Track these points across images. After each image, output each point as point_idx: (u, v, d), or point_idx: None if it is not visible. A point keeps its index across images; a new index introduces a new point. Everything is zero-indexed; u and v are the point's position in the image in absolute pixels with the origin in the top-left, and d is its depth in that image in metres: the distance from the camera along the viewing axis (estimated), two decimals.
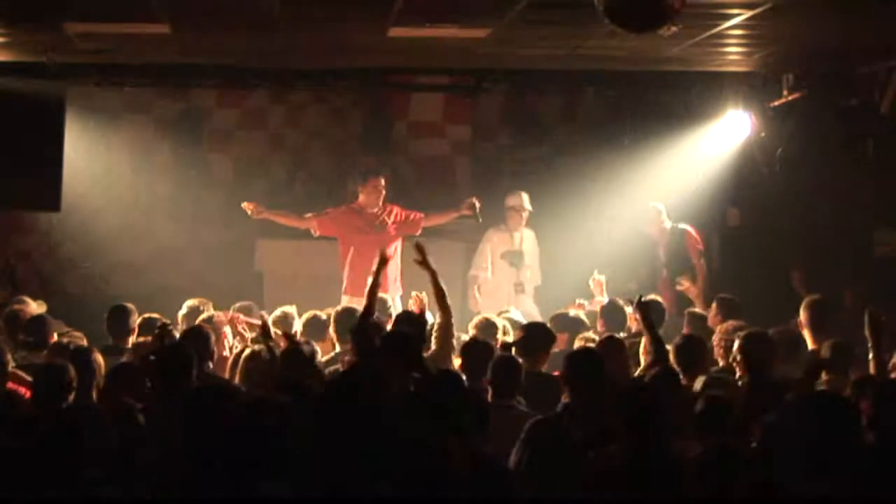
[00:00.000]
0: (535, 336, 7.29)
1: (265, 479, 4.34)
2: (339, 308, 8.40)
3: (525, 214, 10.91)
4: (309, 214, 10.42)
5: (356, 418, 5.40)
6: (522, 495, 5.35)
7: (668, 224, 10.85)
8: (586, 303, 9.28)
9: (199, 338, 7.08)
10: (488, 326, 7.96)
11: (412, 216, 10.48)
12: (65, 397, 5.96)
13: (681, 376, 6.64)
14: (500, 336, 7.81)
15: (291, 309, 8.60)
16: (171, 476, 4.78)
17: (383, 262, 7.99)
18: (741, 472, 4.62)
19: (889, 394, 5.30)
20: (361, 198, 10.46)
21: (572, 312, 8.81)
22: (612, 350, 7.03)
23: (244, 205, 10.24)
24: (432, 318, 7.82)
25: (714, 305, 8.74)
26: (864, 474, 4.49)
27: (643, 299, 7.42)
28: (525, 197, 10.95)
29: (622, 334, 8.17)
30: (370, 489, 4.50)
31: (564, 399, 6.15)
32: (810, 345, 7.56)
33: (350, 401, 5.52)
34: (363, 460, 4.90)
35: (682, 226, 10.90)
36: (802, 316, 7.76)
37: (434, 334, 7.45)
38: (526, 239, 11.03)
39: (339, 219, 10.41)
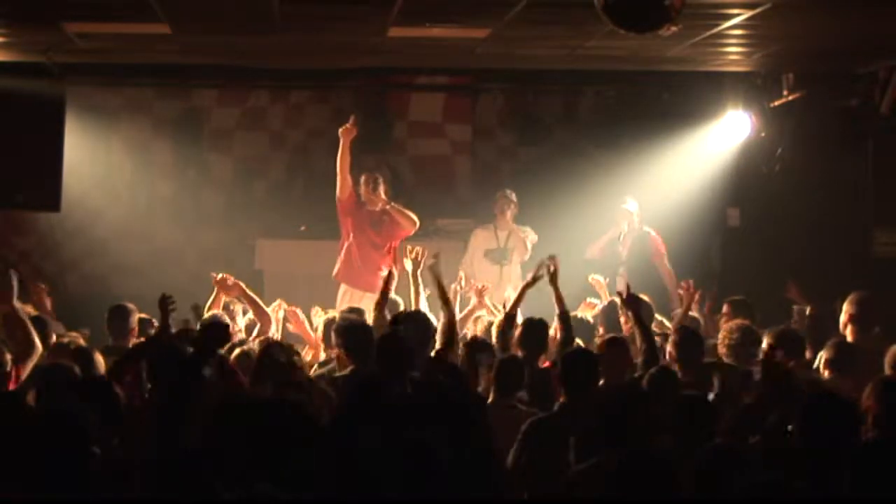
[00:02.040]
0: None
1: (265, 479, 4.34)
2: (341, 311, 8.41)
3: (509, 211, 10.80)
4: (350, 182, 10.22)
5: (354, 419, 5.42)
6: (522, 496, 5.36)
7: (636, 225, 10.79)
8: (598, 302, 9.19)
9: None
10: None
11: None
12: (70, 397, 5.94)
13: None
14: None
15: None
16: (172, 476, 4.78)
17: (390, 278, 8.25)
18: (741, 471, 4.61)
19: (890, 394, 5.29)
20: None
21: (579, 314, 8.76)
22: (615, 350, 6.84)
23: (350, 123, 9.98)
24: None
25: (726, 306, 8.71)
26: (864, 474, 4.49)
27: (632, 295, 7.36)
28: (508, 193, 10.86)
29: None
30: (370, 489, 4.50)
31: (561, 399, 6.15)
32: (850, 339, 7.49)
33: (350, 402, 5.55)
34: (364, 461, 4.90)
35: (647, 229, 10.84)
36: (847, 310, 7.67)
37: (438, 332, 7.42)
38: (513, 236, 10.86)
39: (354, 203, 10.29)
